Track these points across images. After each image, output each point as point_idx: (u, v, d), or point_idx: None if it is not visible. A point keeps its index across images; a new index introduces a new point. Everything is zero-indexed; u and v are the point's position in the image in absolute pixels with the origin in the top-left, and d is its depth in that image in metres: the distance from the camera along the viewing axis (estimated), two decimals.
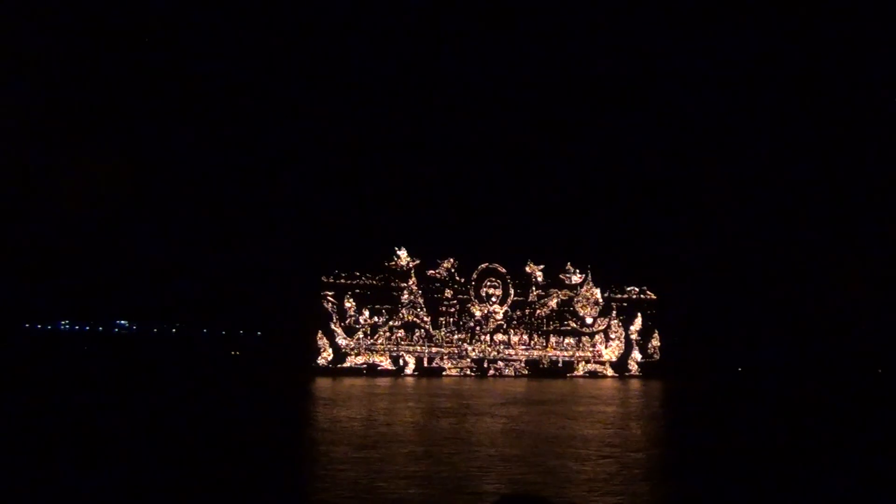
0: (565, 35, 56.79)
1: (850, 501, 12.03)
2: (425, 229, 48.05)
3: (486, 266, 44.69)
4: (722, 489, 12.62)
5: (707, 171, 55.66)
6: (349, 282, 41.97)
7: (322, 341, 41.28)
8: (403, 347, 42.43)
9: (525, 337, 45.03)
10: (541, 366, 44.94)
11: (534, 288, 45.58)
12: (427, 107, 57.15)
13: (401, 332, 42.46)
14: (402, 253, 43.07)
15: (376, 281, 42.40)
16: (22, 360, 44.50)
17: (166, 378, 36.05)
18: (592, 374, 45.59)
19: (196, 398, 26.88)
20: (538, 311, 45.43)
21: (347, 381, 36.07)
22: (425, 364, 42.64)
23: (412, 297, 42.77)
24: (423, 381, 38.91)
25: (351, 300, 41.75)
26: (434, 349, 42.99)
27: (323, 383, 35.06)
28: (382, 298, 42.40)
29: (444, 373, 42.72)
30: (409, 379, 40.15)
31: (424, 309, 42.96)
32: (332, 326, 41.40)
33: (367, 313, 41.95)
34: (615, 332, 46.67)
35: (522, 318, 45.13)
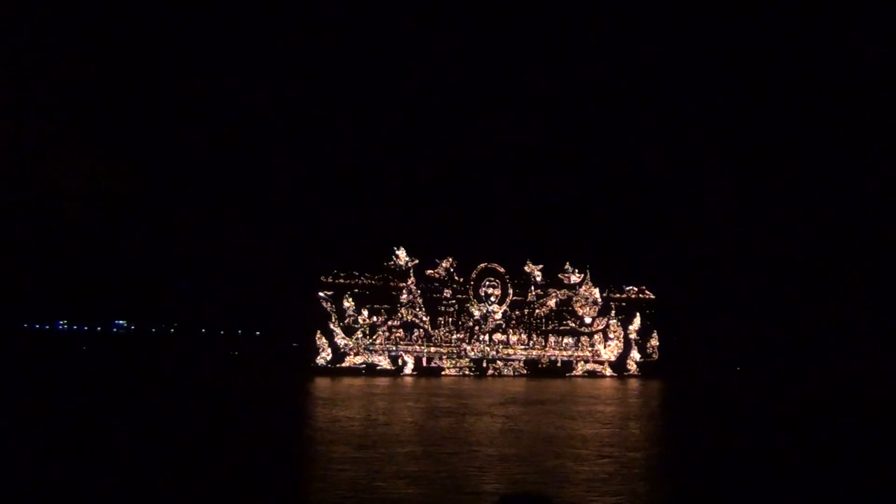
0: (565, 35, 56.81)
1: (850, 501, 12.05)
2: (424, 229, 48.12)
3: (485, 266, 44.69)
4: (721, 488, 12.63)
5: (706, 171, 55.70)
6: (348, 281, 41.96)
7: (321, 341, 41.27)
8: (402, 347, 42.43)
9: (524, 336, 45.04)
10: (540, 365, 44.95)
11: (533, 287, 45.59)
12: (426, 107, 57.16)
13: (399, 332, 42.45)
14: (401, 253, 43.07)
15: (375, 281, 42.39)
16: (20, 361, 44.44)
17: (165, 378, 36.02)
18: (591, 374, 45.61)
19: (195, 398, 26.87)
20: (537, 311, 45.44)
21: (346, 381, 36.05)
22: (424, 364, 42.64)
23: (411, 296, 42.76)
24: (422, 380, 38.90)
25: (350, 300, 41.75)
26: (433, 349, 43.00)
27: (322, 383, 35.05)
28: (381, 298, 42.39)
29: (442, 372, 42.72)
30: (408, 378, 40.14)
31: (423, 309, 42.96)
32: (331, 326, 41.39)
33: (365, 313, 41.94)
34: (614, 332, 46.70)
35: (521, 318, 45.14)
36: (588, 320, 46.29)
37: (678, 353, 47.87)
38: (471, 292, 44.14)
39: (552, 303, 45.73)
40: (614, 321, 46.75)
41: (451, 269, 43.95)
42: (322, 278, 41.56)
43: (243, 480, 12.24)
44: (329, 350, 41.28)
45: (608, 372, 46.08)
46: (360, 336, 41.80)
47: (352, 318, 41.71)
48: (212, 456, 14.62)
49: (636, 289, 47.61)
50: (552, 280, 46.13)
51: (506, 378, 42.86)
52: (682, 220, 55.91)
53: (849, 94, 52.52)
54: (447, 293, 43.65)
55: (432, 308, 43.21)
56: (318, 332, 41.26)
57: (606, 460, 14.56)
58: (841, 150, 53.47)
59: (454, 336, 43.51)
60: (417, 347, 42.71)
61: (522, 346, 44.90)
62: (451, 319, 43.60)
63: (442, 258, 43.85)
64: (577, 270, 46.55)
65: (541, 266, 45.91)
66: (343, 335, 41.55)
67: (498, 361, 44.27)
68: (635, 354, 47.02)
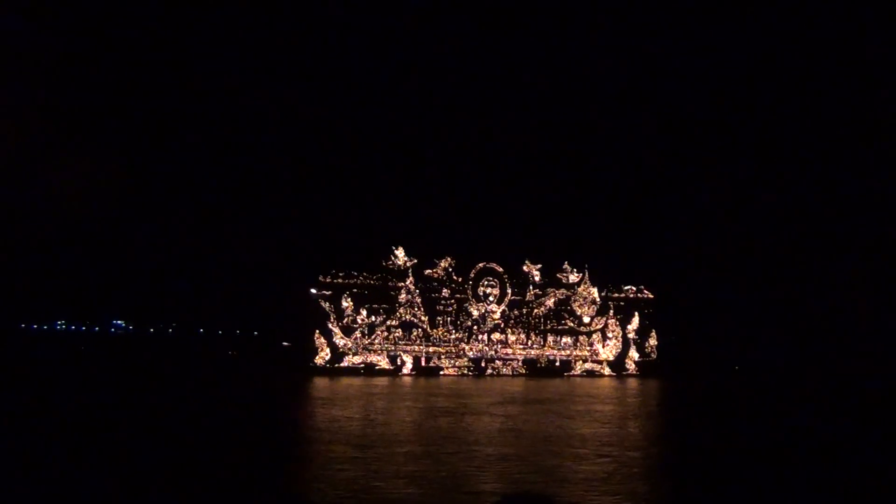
0: (564, 35, 56.81)
1: (850, 501, 12.06)
2: (422, 229, 48.14)
3: (484, 265, 44.69)
4: (719, 488, 12.64)
5: (705, 170, 55.74)
6: (346, 281, 41.95)
7: (319, 341, 41.24)
8: (401, 347, 42.41)
9: (522, 336, 45.04)
10: (538, 365, 44.97)
11: (531, 287, 45.60)
12: (425, 107, 57.15)
13: (398, 332, 42.44)
14: (400, 252, 43.05)
15: (373, 280, 42.37)
16: (19, 361, 44.36)
17: (164, 378, 35.98)
18: (590, 373, 45.63)
19: (194, 398, 26.84)
20: (535, 311, 45.45)
21: (345, 381, 36.04)
22: (423, 363, 42.63)
23: (409, 296, 42.75)
24: (421, 380, 38.89)
25: (348, 300, 41.73)
26: (432, 348, 42.98)
27: (321, 383, 35.03)
28: (380, 298, 42.36)
29: (441, 372, 42.71)
30: (407, 378, 40.13)
31: (422, 308, 42.95)
32: (330, 326, 41.37)
33: (364, 313, 41.92)
34: (612, 331, 46.72)
35: (520, 318, 45.14)
36: (587, 320, 46.30)
37: (677, 353, 47.90)
38: (469, 292, 44.14)
39: (551, 302, 45.74)
40: (613, 320, 46.76)
41: (450, 269, 43.94)
42: (320, 278, 41.54)
43: (242, 480, 12.23)
44: (328, 350, 41.26)
45: (607, 371, 46.10)
46: (358, 336, 41.79)
47: (350, 317, 41.69)
48: (211, 456, 14.61)
49: (635, 288, 47.64)
50: (551, 279, 46.14)
51: (504, 377, 42.86)
52: (680, 219, 55.97)
53: (849, 93, 52.60)
54: (446, 293, 43.64)
55: (431, 308, 43.20)
56: (317, 331, 41.24)
57: (605, 459, 14.57)
58: (841, 150, 53.54)
59: (453, 336, 43.51)
60: (416, 347, 42.70)
61: (521, 346, 44.91)
62: (449, 319, 43.59)
63: (440, 258, 43.84)
64: (575, 270, 46.58)
65: (539, 265, 45.92)
66: (342, 335, 41.53)
67: (496, 361, 44.27)
68: (634, 354, 47.04)
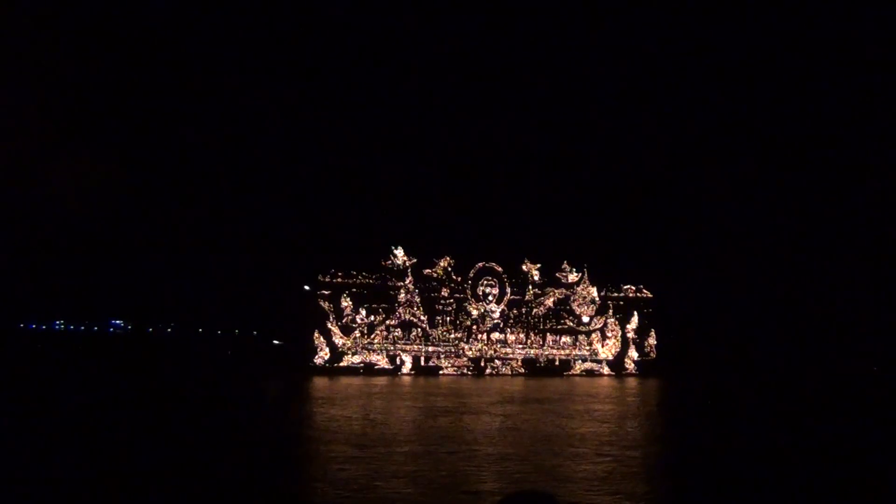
0: (564, 34, 56.81)
1: (850, 501, 12.08)
2: (422, 228, 48.13)
3: (483, 265, 44.70)
4: (719, 487, 12.65)
5: (704, 169, 55.76)
6: (346, 281, 41.95)
7: (319, 341, 41.25)
8: (400, 346, 42.43)
9: (522, 335, 45.06)
10: (538, 364, 44.98)
11: (530, 287, 45.61)
12: (425, 107, 57.14)
13: (398, 331, 42.45)
14: (399, 252, 43.06)
15: (373, 280, 42.38)
16: (18, 361, 44.34)
17: (163, 378, 35.97)
18: (589, 373, 45.65)
19: (193, 398, 26.84)
20: (535, 310, 45.47)
21: (344, 381, 36.05)
22: (422, 363, 42.65)
23: (409, 296, 42.76)
24: (420, 379, 38.90)
25: (348, 299, 41.73)
26: (431, 348, 43.00)
27: (320, 382, 35.04)
28: (379, 297, 42.38)
29: (440, 371, 42.73)
30: (406, 378, 40.14)
31: (421, 308, 42.96)
32: (329, 326, 41.38)
33: (363, 312, 41.94)
34: (612, 331, 46.74)
35: (519, 317, 45.16)
36: (586, 319, 46.32)
37: (676, 352, 47.92)
38: (468, 291, 44.15)
39: (550, 302, 45.76)
40: (612, 320, 46.78)
41: (449, 269, 43.95)
42: (320, 277, 41.55)
43: (242, 480, 12.23)
44: (327, 349, 41.27)
45: (606, 371, 46.12)
46: (357, 335, 41.80)
47: (350, 317, 41.70)
48: (211, 456, 14.61)
49: (634, 288, 47.66)
50: (550, 279, 46.16)
51: (504, 377, 42.88)
52: (680, 219, 55.99)
53: (849, 93, 52.63)
54: (445, 292, 43.65)
55: (430, 307, 43.22)
56: (316, 331, 41.25)
57: (604, 459, 14.58)
58: (841, 150, 53.58)
59: (452, 335, 43.52)
60: (415, 347, 42.72)
61: (520, 345, 44.93)
62: (448, 319, 43.60)
63: (440, 257, 43.85)
64: (574, 269, 46.59)
65: (538, 265, 45.93)
66: (341, 334, 41.54)
67: (496, 360, 44.28)
68: (633, 353, 47.06)
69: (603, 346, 46.52)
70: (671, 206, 56.76)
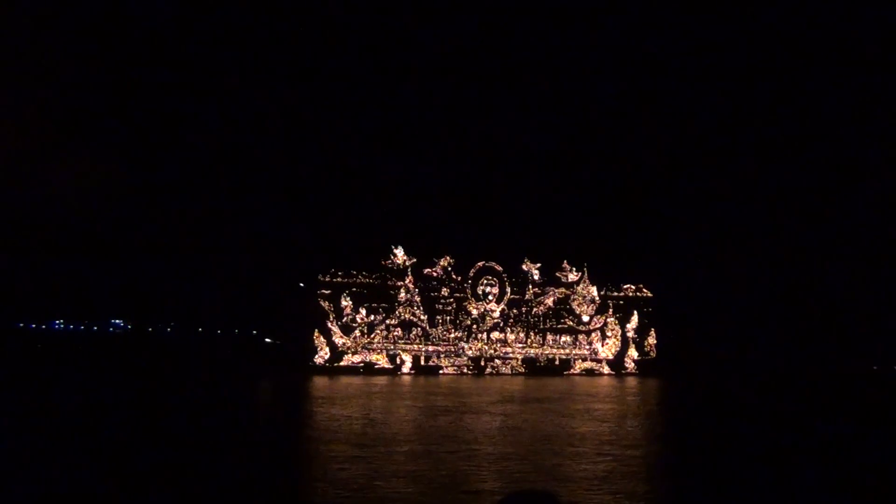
0: (564, 34, 56.80)
1: (850, 501, 12.09)
2: (422, 228, 48.14)
3: (483, 264, 44.71)
4: (718, 486, 12.66)
5: (704, 169, 55.78)
6: (346, 280, 41.96)
7: (319, 340, 41.26)
8: (400, 346, 42.43)
9: (522, 335, 45.07)
10: (538, 364, 45.00)
11: (530, 286, 45.62)
12: (425, 106, 57.14)
13: (398, 331, 42.46)
14: (399, 251, 43.06)
15: (373, 279, 42.38)
16: (17, 361, 44.33)
17: (163, 378, 35.97)
18: (589, 372, 45.67)
19: (193, 397, 26.84)
20: (535, 309, 45.48)
21: (345, 380, 36.06)
22: (422, 362, 42.65)
23: (409, 295, 42.76)
24: (420, 379, 38.91)
25: (348, 299, 41.74)
26: (431, 347, 43.01)
27: (320, 382, 35.04)
28: (379, 297, 42.39)
29: (441, 371, 42.74)
30: (406, 377, 40.15)
31: (421, 307, 42.97)
32: (329, 325, 41.38)
33: (363, 312, 41.94)
34: (612, 330, 46.76)
35: (519, 316, 45.17)
36: (586, 318, 46.34)
37: (675, 351, 47.94)
38: (468, 291, 44.16)
39: (550, 301, 45.77)
40: (612, 319, 46.80)
41: (449, 268, 43.96)
42: (320, 277, 41.56)
43: (243, 480, 12.24)
44: (327, 349, 41.28)
45: (606, 370, 46.15)
46: (358, 335, 41.81)
47: (350, 316, 41.71)
48: (211, 455, 14.62)
49: (634, 287, 47.67)
50: (550, 278, 46.17)
51: (504, 376, 42.89)
52: (679, 218, 56.00)
53: (849, 92, 52.62)
54: (445, 292, 43.66)
55: (430, 307, 43.22)
56: (317, 331, 41.26)
57: (604, 458, 14.59)
58: (841, 149, 53.56)
59: (452, 335, 43.53)
60: (415, 346, 42.73)
61: (520, 345, 44.94)
62: (448, 318, 43.61)
63: (440, 257, 43.85)
64: (574, 269, 46.60)
65: (538, 264, 45.94)
66: (341, 334, 41.54)
67: (496, 360, 44.30)
68: (633, 352, 47.08)
69: (603, 345, 46.54)
70: (671, 206, 56.78)
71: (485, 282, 44.57)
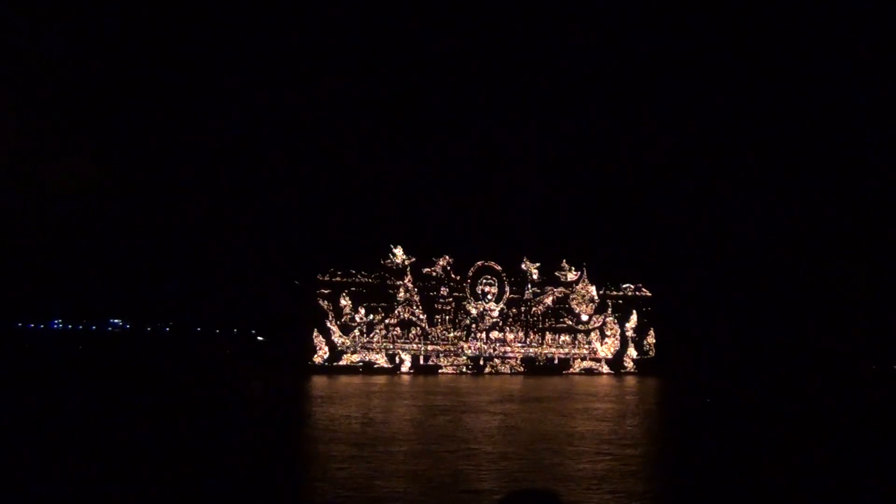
0: (563, 33, 56.80)
1: (850, 500, 12.10)
2: (421, 227, 48.13)
3: (482, 264, 44.72)
4: (718, 485, 12.67)
5: (703, 168, 55.79)
6: (345, 280, 41.95)
7: (318, 340, 41.25)
8: (399, 345, 42.43)
9: (521, 334, 45.09)
10: (537, 363, 45.02)
11: (529, 285, 45.64)
12: (424, 105, 57.13)
13: (397, 330, 42.46)
14: (398, 251, 43.06)
15: (372, 279, 42.38)
16: (16, 360, 44.30)
17: (162, 377, 35.95)
18: (588, 371, 45.70)
19: (192, 397, 26.83)
20: (534, 309, 45.50)
21: (344, 379, 36.06)
22: (421, 362, 42.65)
23: (408, 294, 42.76)
24: (420, 378, 38.92)
25: (347, 298, 41.73)
26: (430, 347, 43.02)
27: (319, 381, 35.04)
28: (378, 296, 42.38)
29: (440, 370, 42.75)
30: (406, 377, 40.16)
31: (420, 307, 42.97)
32: (328, 325, 41.37)
33: (362, 311, 41.93)
34: (611, 329, 46.79)
35: (518, 316, 45.19)
36: (585, 318, 46.36)
37: (675, 351, 47.97)
38: (468, 290, 44.17)
39: (549, 300, 45.79)
40: (611, 318, 46.83)
41: (448, 267, 43.96)
42: (319, 276, 41.54)
43: (242, 480, 12.24)
44: (326, 348, 41.27)
45: (605, 369, 46.18)
46: (357, 334, 41.81)
47: (349, 316, 41.70)
48: (210, 455, 14.61)
49: (633, 286, 47.71)
50: (549, 278, 46.19)
51: (503, 375, 42.91)
52: (678, 217, 56.00)
53: (849, 92, 52.64)
54: (444, 291, 43.67)
55: (429, 306, 43.23)
56: (316, 330, 41.24)
57: (604, 457, 14.59)
58: (841, 149, 53.58)
59: (451, 334, 43.54)
60: (414, 345, 42.73)
61: (519, 344, 44.96)
62: (448, 317, 43.62)
63: (439, 256, 43.87)
64: (573, 268, 46.63)
65: (538, 264, 45.96)
66: (340, 333, 41.54)
67: (495, 359, 44.32)
68: (632, 351, 47.12)
69: (602, 344, 46.57)
70: (671, 205, 56.79)
71: (484, 281, 44.59)
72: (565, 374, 44.90)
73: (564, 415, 22.44)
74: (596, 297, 46.56)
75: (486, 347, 44.16)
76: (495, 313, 44.57)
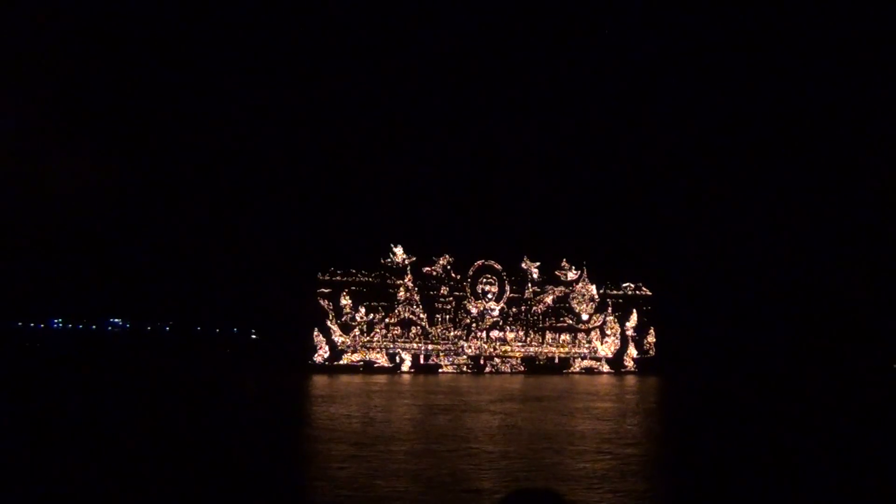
0: (563, 33, 56.77)
1: (850, 501, 12.09)
2: (421, 226, 48.10)
3: (482, 263, 44.73)
4: (718, 485, 12.66)
5: (703, 168, 55.78)
6: (345, 279, 41.96)
7: (318, 339, 41.26)
8: (400, 344, 42.45)
9: (521, 333, 45.11)
10: (537, 362, 45.03)
11: (530, 285, 45.65)
12: (424, 105, 57.09)
13: (397, 330, 42.48)
14: (398, 250, 43.07)
15: (372, 278, 42.38)
16: (15, 360, 44.31)
17: (161, 377, 35.96)
18: (588, 371, 45.71)
19: (192, 397, 26.83)
20: (534, 308, 45.51)
21: (344, 379, 36.06)
22: (421, 361, 42.67)
23: (408, 294, 42.77)
24: (420, 378, 38.92)
25: (347, 297, 41.74)
26: (430, 346, 43.04)
27: (319, 381, 35.04)
28: (378, 296, 42.40)
29: (440, 370, 42.76)
30: (406, 376, 40.17)
31: (420, 306, 42.99)
32: (329, 324, 41.37)
33: (363, 310, 41.94)
34: (611, 329, 46.81)
35: (518, 315, 45.21)
36: (585, 317, 46.38)
37: (675, 350, 47.99)
38: (468, 289, 44.17)
39: (549, 300, 45.80)
40: (611, 318, 46.86)
41: (448, 267, 43.97)
42: (319, 276, 41.55)
43: (242, 479, 12.22)
44: (326, 348, 41.28)
45: (605, 368, 46.20)
46: (357, 334, 41.82)
47: (349, 315, 41.71)
48: (210, 455, 14.60)
49: (633, 285, 47.73)
50: (549, 277, 46.22)
51: (503, 375, 42.92)
52: (679, 216, 55.97)
53: (849, 92, 52.61)
54: (444, 290, 43.68)
55: (429, 305, 43.26)
56: (316, 329, 41.25)
57: (604, 456, 14.58)
58: (841, 149, 53.55)
59: (451, 333, 43.55)
60: (415, 345, 42.75)
61: (520, 343, 44.97)
62: (448, 317, 43.64)
63: (439, 255, 43.88)
64: (573, 267, 46.65)
65: (538, 263, 45.99)
66: (340, 333, 41.54)
67: (495, 358, 44.34)
68: (632, 351, 47.14)
69: (602, 343, 46.58)
70: (670, 204, 56.75)
71: (484, 280, 44.60)
72: (565, 373, 44.92)
73: (565, 414, 22.43)
74: (596, 297, 46.58)
75: (486, 346, 44.18)
76: (495, 312, 44.58)
